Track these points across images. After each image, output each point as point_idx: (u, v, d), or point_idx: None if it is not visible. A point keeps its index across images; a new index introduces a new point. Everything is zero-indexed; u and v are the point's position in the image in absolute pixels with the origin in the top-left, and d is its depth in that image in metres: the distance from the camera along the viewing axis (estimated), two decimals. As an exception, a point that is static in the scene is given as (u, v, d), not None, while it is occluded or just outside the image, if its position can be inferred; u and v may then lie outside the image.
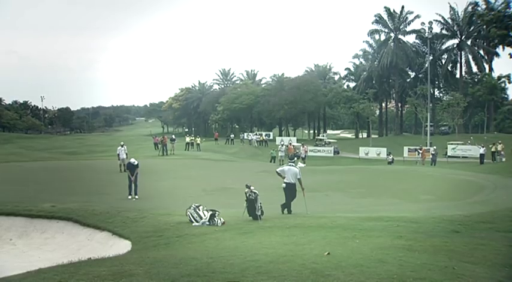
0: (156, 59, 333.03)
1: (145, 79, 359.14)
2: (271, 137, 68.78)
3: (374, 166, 35.46)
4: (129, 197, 16.58)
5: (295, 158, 14.86)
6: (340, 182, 23.17)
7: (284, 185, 12.46)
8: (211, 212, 10.96)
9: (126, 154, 26.50)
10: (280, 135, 79.71)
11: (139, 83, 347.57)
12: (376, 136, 79.67)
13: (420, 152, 40.23)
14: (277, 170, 13.05)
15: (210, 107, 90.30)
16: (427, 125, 55.64)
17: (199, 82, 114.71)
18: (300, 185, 12.54)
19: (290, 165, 12.82)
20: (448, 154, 42.55)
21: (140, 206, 14.02)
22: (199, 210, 11.11)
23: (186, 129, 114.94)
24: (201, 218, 10.90)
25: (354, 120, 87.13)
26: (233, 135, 62.18)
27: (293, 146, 42.27)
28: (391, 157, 40.13)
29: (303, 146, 40.88)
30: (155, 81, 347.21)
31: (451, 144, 45.07)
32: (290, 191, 12.49)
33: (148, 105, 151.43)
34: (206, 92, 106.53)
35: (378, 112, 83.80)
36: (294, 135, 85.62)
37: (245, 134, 68.21)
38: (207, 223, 10.71)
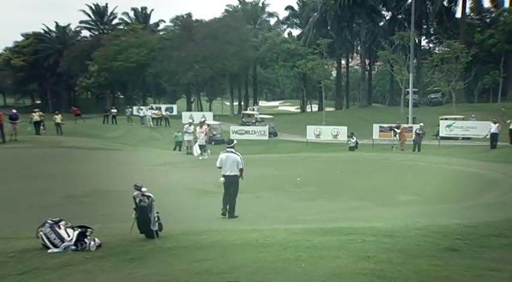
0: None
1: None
2: (174, 113, 68.75)
3: (329, 153, 36.59)
4: None
5: (233, 142, 15.64)
6: (279, 177, 23.69)
7: (223, 179, 14.60)
8: (79, 230, 10.66)
9: None
10: (189, 109, 79.54)
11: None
12: (333, 109, 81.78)
13: (398, 131, 41.00)
14: (217, 163, 14.96)
15: (76, 65, 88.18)
16: (408, 92, 55.96)
17: (56, 25, 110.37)
18: (240, 174, 14.84)
19: (228, 151, 14.86)
20: (441, 134, 43.59)
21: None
22: (59, 228, 10.74)
23: (38, 102, 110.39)
24: (62, 240, 10.56)
25: (299, 86, 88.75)
26: (115, 110, 61.24)
27: (209, 125, 42.20)
28: (354, 140, 41.11)
29: (200, 126, 36.97)
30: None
31: (446, 119, 45.94)
32: (232, 185, 14.62)
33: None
34: (69, 42, 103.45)
35: (335, 73, 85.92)
36: (210, 110, 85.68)
37: (134, 108, 67.19)
38: (73, 247, 10.41)
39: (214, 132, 46.07)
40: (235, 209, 14.71)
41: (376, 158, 31.19)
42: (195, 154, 30.33)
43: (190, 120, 42.60)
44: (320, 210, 16.32)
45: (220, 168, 14.91)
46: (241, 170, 14.81)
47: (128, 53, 77.94)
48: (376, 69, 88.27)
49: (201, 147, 30.87)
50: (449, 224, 12.12)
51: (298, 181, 22.65)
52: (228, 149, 15.02)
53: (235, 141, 15.95)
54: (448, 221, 12.42)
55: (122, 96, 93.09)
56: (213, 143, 43.07)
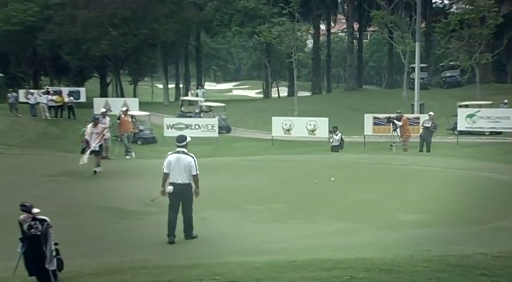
0: None
1: None
2: (82, 99, 68.61)
3: (303, 156, 36.85)
4: None
5: (186, 139, 15.68)
6: (233, 190, 23.61)
7: (171, 187, 15.05)
8: None
9: None
10: (104, 94, 79.18)
11: None
12: (309, 93, 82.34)
13: (399, 124, 41.04)
14: (163, 169, 15.34)
15: None
16: (413, 69, 56.25)
17: None
18: (195, 184, 15.34)
19: (179, 152, 15.39)
20: (459, 128, 44.04)
21: None
22: None
23: None
24: None
25: (260, 61, 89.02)
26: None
27: (132, 116, 41.88)
28: (337, 137, 41.21)
29: (95, 125, 36.72)
30: None
31: (466, 107, 46.29)
32: (182, 197, 15.20)
33: None
34: None
35: (311, 43, 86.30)
36: (135, 95, 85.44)
37: (21, 91, 66.18)
38: None
39: (141, 127, 45.89)
40: (193, 227, 15.30)
41: (369, 162, 31.27)
42: (81, 162, 28.63)
43: (105, 110, 42.18)
44: (291, 235, 16.28)
45: (168, 174, 15.23)
46: (194, 178, 15.18)
47: (8, 11, 75.12)
48: (369, 36, 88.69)
49: (96, 153, 29.51)
50: (471, 253, 12.02)
51: (332, 181, 23.30)
52: (178, 149, 15.41)
53: (188, 138, 15.96)
54: (470, 250, 12.37)
55: (1, 75, 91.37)
56: (139, 142, 42.91)
